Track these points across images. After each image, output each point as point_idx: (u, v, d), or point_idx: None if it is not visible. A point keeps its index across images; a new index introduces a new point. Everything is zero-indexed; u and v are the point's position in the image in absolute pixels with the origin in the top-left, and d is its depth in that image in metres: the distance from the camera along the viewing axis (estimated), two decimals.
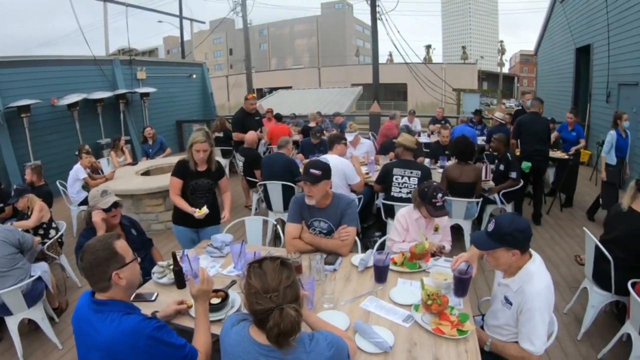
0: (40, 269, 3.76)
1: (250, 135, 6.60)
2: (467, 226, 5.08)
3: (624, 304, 3.35)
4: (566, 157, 6.89)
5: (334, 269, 2.85)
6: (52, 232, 4.62)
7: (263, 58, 65.52)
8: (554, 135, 7.23)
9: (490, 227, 2.18)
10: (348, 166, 4.99)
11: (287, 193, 5.30)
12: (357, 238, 3.35)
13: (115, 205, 3.09)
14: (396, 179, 4.78)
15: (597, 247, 3.43)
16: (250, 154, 6.41)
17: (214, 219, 3.85)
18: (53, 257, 4.45)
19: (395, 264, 2.89)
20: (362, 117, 15.56)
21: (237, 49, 57.02)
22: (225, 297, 2.38)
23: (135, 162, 7.97)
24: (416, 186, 4.54)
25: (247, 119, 7.51)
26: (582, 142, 6.99)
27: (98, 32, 13.38)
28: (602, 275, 3.46)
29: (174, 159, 7.12)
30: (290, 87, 34.38)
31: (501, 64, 56.33)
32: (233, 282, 2.62)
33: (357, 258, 2.97)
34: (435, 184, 3.26)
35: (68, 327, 3.81)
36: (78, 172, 6.23)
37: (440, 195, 3.14)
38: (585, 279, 3.78)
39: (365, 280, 2.73)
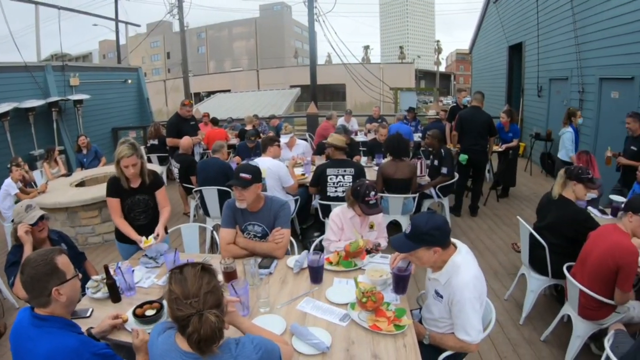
0: None
1: (185, 141, 6.52)
2: (405, 222, 5.20)
3: (562, 286, 3.53)
4: (500, 149, 7.23)
5: (270, 273, 2.85)
6: None
7: (201, 61, 64.34)
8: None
9: (408, 229, 2.22)
10: (282, 169, 5.04)
11: (224, 198, 5.21)
12: (293, 239, 3.37)
13: (42, 218, 3.05)
14: (330, 178, 4.84)
15: (531, 234, 3.63)
16: (185, 160, 6.29)
17: None
18: None
19: (330, 263, 2.90)
20: (301, 118, 15.64)
21: (174, 52, 55.51)
22: (161, 308, 2.33)
23: (69, 173, 7.71)
24: (351, 183, 4.61)
25: (182, 124, 7.42)
26: (515, 142, 7.35)
27: (30, 37, 12.66)
28: (538, 260, 3.65)
29: (110, 169, 7.09)
30: (229, 91, 34.04)
31: (438, 63, 58.64)
32: None
33: (292, 260, 2.97)
34: (367, 182, 3.31)
35: (8, 352, 3.53)
36: (9, 187, 5.92)
37: (373, 193, 3.19)
38: (523, 266, 3.97)
39: (301, 281, 2.74)
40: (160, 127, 8.73)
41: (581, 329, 3.08)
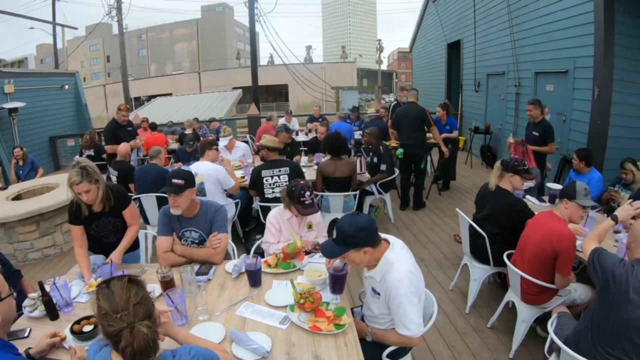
0: None
1: (122, 147, 6.28)
2: None
3: (505, 274, 3.63)
4: (432, 142, 7.35)
5: (208, 279, 2.81)
6: None
7: (142, 64, 62.28)
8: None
9: (334, 233, 2.23)
10: (221, 172, 4.97)
11: (163, 205, 5.01)
12: (233, 244, 3.38)
13: None
14: (266, 180, 4.82)
15: (471, 225, 3.75)
16: (123, 167, 6.05)
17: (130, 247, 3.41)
18: None
19: (269, 266, 2.88)
20: (243, 120, 15.53)
21: (114, 55, 53.08)
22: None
23: (5, 186, 7.28)
24: (287, 183, 4.62)
25: (120, 130, 7.24)
26: (455, 134, 7.55)
27: None
28: (479, 250, 3.78)
29: (49, 180, 6.95)
30: (170, 94, 33.15)
31: (380, 62, 59.74)
32: None
33: (230, 265, 2.94)
34: (302, 182, 3.32)
35: None
36: None
37: (308, 193, 3.21)
38: (465, 256, 4.09)
39: (241, 286, 2.71)
40: (95, 135, 8.36)
41: (525, 314, 3.19)
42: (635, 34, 5.75)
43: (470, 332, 3.60)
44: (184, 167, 4.83)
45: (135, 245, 3.49)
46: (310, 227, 3.38)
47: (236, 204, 5.20)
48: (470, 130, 10.13)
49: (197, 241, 3.14)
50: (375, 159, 5.94)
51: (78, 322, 2.26)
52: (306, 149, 7.31)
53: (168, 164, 6.03)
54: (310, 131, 9.90)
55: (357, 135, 9.00)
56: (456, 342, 3.48)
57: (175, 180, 2.97)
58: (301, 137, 9.43)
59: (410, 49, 19.64)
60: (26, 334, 2.34)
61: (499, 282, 4.29)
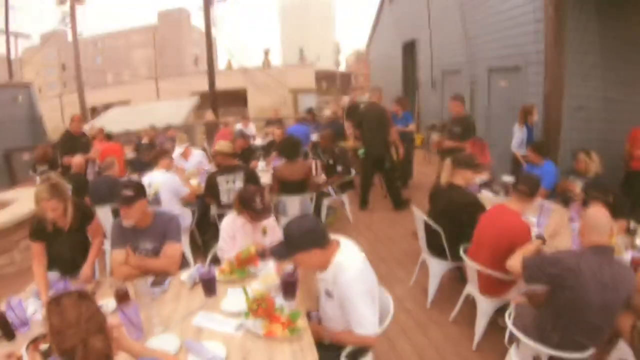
0: None
1: (77, 159, 6.15)
2: None
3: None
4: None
5: (164, 290, 2.77)
6: None
7: (99, 72, 60.54)
8: None
9: (282, 237, 2.25)
10: (175, 180, 4.91)
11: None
12: (188, 253, 3.43)
13: None
14: (221, 186, 4.78)
15: (426, 221, 3.82)
16: (78, 180, 5.83)
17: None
18: None
19: (224, 273, 2.85)
20: (202, 127, 15.33)
21: (70, 64, 51.57)
22: None
23: None
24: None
25: (74, 141, 7.09)
26: (411, 126, 7.65)
27: None
28: (436, 246, 3.85)
29: (5, 196, 6.69)
30: (128, 103, 32.37)
31: (338, 63, 60.11)
32: None
33: (185, 275, 2.90)
34: (253, 187, 3.32)
35: None
36: None
37: (259, 198, 3.19)
38: (423, 252, 4.13)
39: (196, 296, 2.68)
40: (49, 149, 8.05)
41: (485, 306, 3.27)
42: (584, 28, 5.97)
43: (432, 327, 3.66)
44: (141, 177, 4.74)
45: None
46: (264, 232, 3.36)
47: (193, 212, 5.12)
48: (428, 128, 10.33)
49: (151, 252, 3.09)
50: (330, 161, 6.01)
51: (33, 340, 2.18)
52: (263, 152, 7.29)
53: (125, 174, 5.87)
54: (267, 134, 9.85)
55: (315, 137, 9.05)
56: (418, 337, 3.54)
57: (125, 191, 2.92)
58: (258, 142, 9.37)
59: (367, 49, 19.85)
60: None
61: (460, 276, 4.36)
